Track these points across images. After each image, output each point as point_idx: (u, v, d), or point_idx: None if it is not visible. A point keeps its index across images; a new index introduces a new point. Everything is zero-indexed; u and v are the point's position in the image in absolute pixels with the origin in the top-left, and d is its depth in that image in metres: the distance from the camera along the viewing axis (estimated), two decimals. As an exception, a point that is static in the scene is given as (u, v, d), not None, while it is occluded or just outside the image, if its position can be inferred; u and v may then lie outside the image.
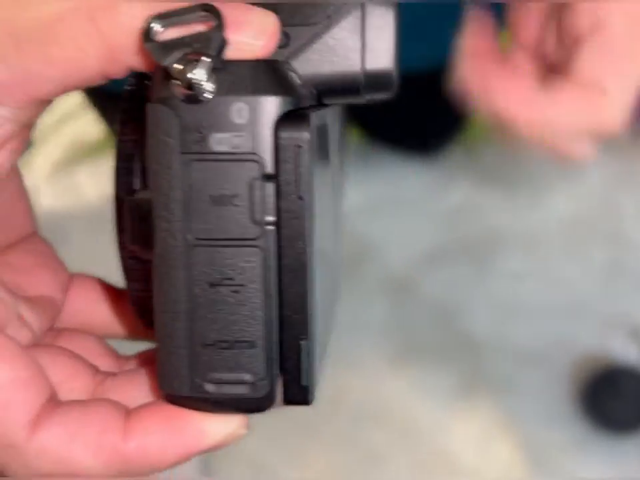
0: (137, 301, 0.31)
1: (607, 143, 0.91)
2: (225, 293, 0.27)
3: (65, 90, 0.27)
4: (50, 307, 0.33)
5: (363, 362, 0.79)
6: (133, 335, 0.35)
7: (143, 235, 0.28)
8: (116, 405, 0.30)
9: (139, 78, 0.29)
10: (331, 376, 0.88)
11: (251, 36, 0.27)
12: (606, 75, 0.38)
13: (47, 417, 0.28)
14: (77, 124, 0.84)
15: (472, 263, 0.85)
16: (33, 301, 0.32)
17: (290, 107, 0.27)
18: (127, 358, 0.33)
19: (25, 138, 0.28)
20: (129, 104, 0.30)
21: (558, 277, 0.84)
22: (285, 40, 0.29)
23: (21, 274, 0.33)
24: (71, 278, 0.35)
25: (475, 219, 0.87)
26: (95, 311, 0.34)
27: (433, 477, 0.75)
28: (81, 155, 0.87)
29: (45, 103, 0.27)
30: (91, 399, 0.30)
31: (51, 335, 0.33)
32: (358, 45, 0.30)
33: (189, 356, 0.28)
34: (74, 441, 0.28)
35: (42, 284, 0.33)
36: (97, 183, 0.83)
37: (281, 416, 0.78)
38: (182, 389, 0.28)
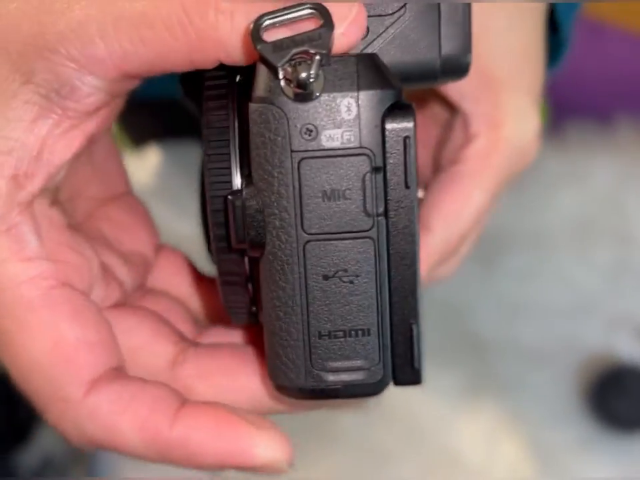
0: (229, 297, 0.32)
1: (613, 143, 0.90)
2: (339, 284, 0.28)
3: (154, 70, 0.28)
4: (142, 264, 0.34)
5: (369, 361, 0.80)
6: (205, 316, 0.36)
7: (252, 234, 0.28)
8: (175, 392, 0.31)
9: (215, 77, 0.30)
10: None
11: (353, 32, 0.27)
12: (431, 217, 0.40)
13: (106, 384, 0.30)
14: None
15: (478, 262, 0.85)
16: (127, 256, 0.34)
17: (394, 100, 0.28)
18: (206, 327, 0.35)
19: (116, 107, 0.30)
20: (212, 103, 0.30)
21: (564, 276, 0.84)
22: (366, 31, 0.30)
23: (120, 228, 0.34)
24: (161, 246, 0.36)
25: (482, 219, 0.87)
26: (177, 283, 0.36)
27: (440, 475, 0.75)
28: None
29: (133, 80, 0.29)
30: (154, 381, 0.31)
31: (139, 293, 0.34)
32: (434, 32, 0.31)
33: (305, 347, 0.29)
34: (124, 412, 0.29)
35: (137, 240, 0.35)
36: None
37: (288, 415, 0.78)
38: (298, 380, 0.29)
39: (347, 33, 0.27)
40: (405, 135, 0.27)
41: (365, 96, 0.27)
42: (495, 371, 0.79)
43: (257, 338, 0.33)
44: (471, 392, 0.78)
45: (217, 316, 0.36)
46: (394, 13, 0.30)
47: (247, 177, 0.29)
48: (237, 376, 0.32)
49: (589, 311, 0.82)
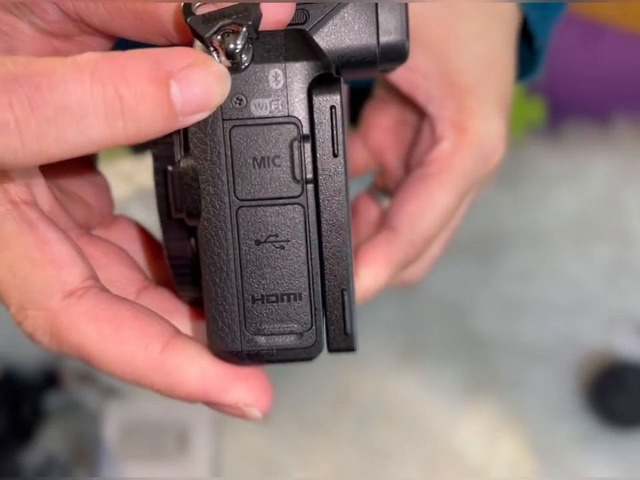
0: (176, 267, 0.33)
1: (611, 142, 0.91)
2: (270, 249, 0.30)
3: (109, 28, 0.30)
4: (83, 206, 0.35)
5: (370, 360, 0.80)
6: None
7: (188, 202, 0.30)
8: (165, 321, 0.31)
9: None
10: (339, 375, 0.88)
11: (278, 7, 0.29)
12: (395, 217, 0.40)
13: (85, 293, 0.30)
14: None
15: (478, 261, 0.85)
16: (74, 198, 0.34)
17: (321, 71, 0.29)
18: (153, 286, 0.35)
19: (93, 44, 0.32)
20: None
21: (563, 274, 0.85)
22: (305, 16, 0.31)
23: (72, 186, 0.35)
24: (116, 217, 0.37)
25: (481, 218, 0.87)
26: (130, 249, 0.36)
27: (441, 474, 0.75)
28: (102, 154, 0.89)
29: (95, 33, 0.31)
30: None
31: (86, 238, 0.34)
32: (372, 19, 0.32)
33: (239, 312, 0.30)
34: (102, 320, 0.29)
35: (82, 190, 0.35)
36: (117, 187, 0.84)
37: (290, 415, 0.79)
38: (234, 344, 0.30)
39: (273, 9, 0.28)
40: (331, 104, 0.29)
41: (292, 66, 0.29)
42: (495, 369, 0.80)
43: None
44: (471, 390, 0.79)
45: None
46: (334, 1, 0.32)
47: (186, 149, 0.30)
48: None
49: (588, 309, 0.83)
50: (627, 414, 0.77)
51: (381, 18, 0.32)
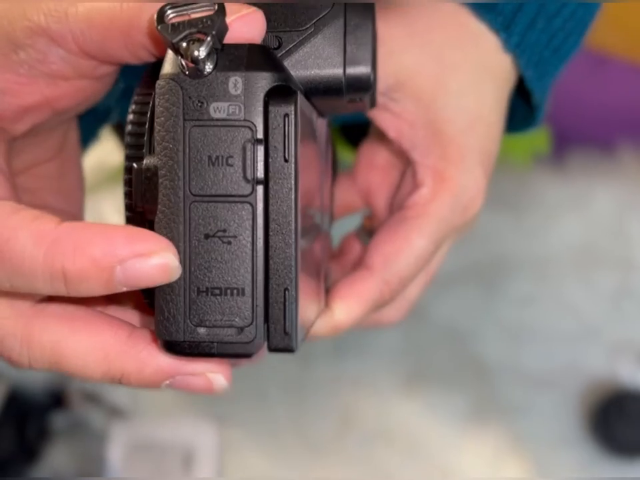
0: None
1: (615, 170, 0.91)
2: (218, 243, 0.31)
3: (105, 49, 0.33)
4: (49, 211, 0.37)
5: (374, 384, 0.80)
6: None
7: (148, 195, 0.32)
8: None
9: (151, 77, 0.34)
10: (343, 398, 0.88)
11: (243, 23, 0.31)
12: (372, 256, 0.42)
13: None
14: (100, 150, 0.86)
15: (482, 287, 0.86)
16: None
17: (278, 82, 0.31)
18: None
19: (84, 90, 0.35)
20: (139, 96, 0.34)
21: (566, 302, 0.85)
22: (278, 43, 0.34)
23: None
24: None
25: (485, 244, 0.88)
26: None
27: (443, 498, 0.75)
28: (103, 179, 0.89)
29: (98, 63, 0.34)
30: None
31: None
32: (340, 50, 0.35)
33: (185, 302, 0.31)
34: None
35: (51, 197, 0.38)
36: (120, 212, 0.84)
37: (294, 437, 0.79)
38: (177, 334, 0.31)
39: (236, 24, 0.31)
40: (285, 112, 0.30)
41: (251, 75, 0.31)
42: (498, 396, 0.80)
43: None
44: (475, 415, 0.79)
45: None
46: (306, 29, 0.34)
47: (153, 150, 0.32)
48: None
49: (591, 337, 0.83)
50: (629, 442, 0.77)
51: (348, 49, 0.35)
